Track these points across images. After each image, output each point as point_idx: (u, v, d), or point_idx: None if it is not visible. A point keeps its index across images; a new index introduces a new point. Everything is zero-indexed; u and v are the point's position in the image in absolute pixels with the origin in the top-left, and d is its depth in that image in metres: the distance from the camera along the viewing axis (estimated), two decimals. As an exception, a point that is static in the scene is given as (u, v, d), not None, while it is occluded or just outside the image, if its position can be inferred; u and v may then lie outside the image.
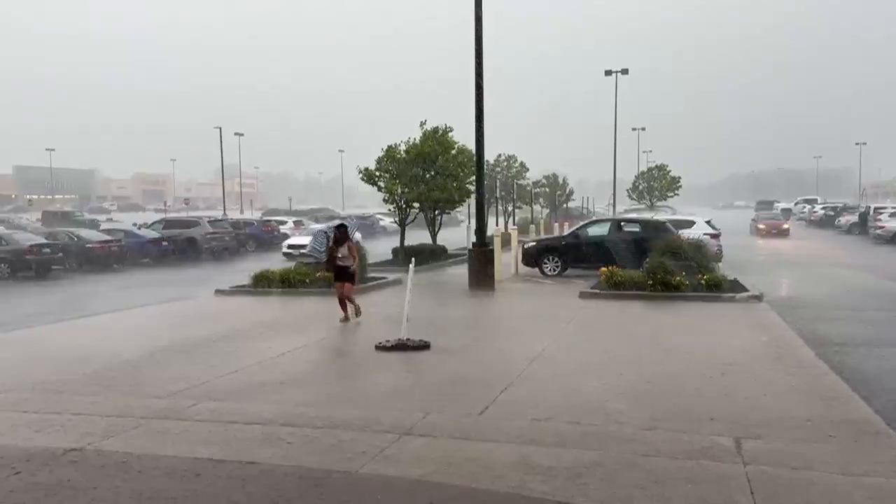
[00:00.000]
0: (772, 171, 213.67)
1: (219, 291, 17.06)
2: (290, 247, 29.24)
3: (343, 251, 12.40)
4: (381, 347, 9.86)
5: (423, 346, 9.88)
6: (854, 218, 44.34)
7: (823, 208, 57.60)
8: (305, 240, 26.19)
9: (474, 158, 19.37)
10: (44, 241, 25.44)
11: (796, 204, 75.69)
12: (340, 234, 12.51)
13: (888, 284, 18.55)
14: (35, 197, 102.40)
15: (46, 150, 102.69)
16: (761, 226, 41.68)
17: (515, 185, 43.15)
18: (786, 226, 41.87)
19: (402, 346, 9.82)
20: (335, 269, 12.52)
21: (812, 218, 56.12)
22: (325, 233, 12.77)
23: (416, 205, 24.51)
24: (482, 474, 5.18)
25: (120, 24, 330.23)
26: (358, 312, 12.51)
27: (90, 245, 26.27)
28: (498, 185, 40.60)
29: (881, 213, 38.63)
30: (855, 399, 7.18)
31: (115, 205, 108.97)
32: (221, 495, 4.87)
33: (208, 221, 33.82)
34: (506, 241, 22.83)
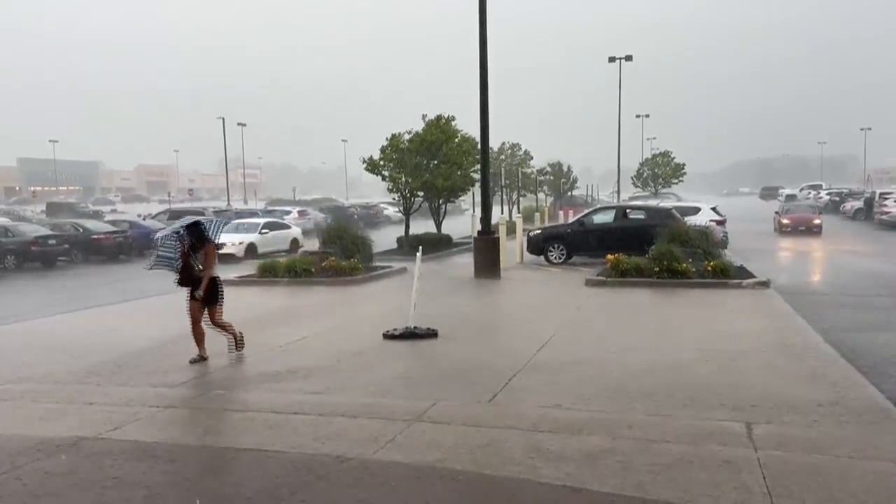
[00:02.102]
0: (777, 158, 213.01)
1: (225, 282, 17.07)
2: None
3: (200, 259, 8.88)
4: (389, 336, 9.87)
5: (431, 335, 9.89)
6: (859, 204, 44.21)
7: (828, 194, 57.49)
8: (220, 239, 24.68)
9: (478, 146, 19.33)
10: (49, 232, 25.50)
11: (801, 190, 75.45)
12: (194, 236, 8.90)
13: (894, 270, 18.48)
14: (39, 189, 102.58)
15: (50, 141, 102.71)
16: (785, 220, 32.25)
17: (520, 174, 43.05)
18: (817, 220, 32.02)
19: (409, 335, 9.83)
20: (190, 283, 8.88)
21: (817, 204, 55.90)
22: (178, 234, 9.03)
23: (421, 194, 24.50)
24: (493, 460, 5.19)
25: (124, 18, 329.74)
26: (240, 343, 9.22)
27: (96, 236, 26.31)
28: (502, 173, 40.54)
29: (886, 199, 38.47)
30: (865, 384, 7.17)
31: (119, 196, 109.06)
32: (234, 483, 4.89)
33: (213, 212, 33.85)
34: (511, 230, 22.82)
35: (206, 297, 8.84)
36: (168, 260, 9.08)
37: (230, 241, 24.56)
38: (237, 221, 27.96)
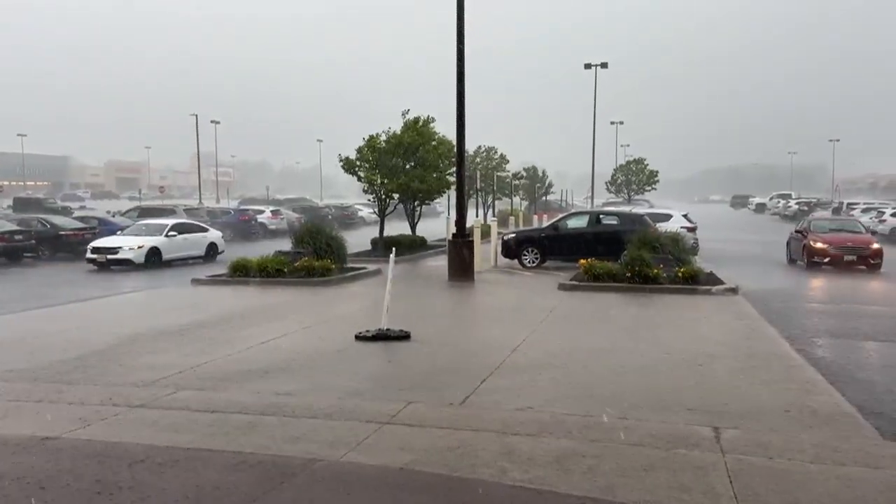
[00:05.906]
0: (747, 166, 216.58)
1: (195, 281, 16.91)
2: (95, 251, 22.03)
3: None
4: (361, 337, 9.82)
5: (404, 337, 9.86)
6: (827, 213, 45.17)
7: (797, 203, 58.58)
8: (116, 241, 22.26)
9: (455, 150, 19.35)
10: (16, 227, 25.00)
11: (771, 199, 76.75)
12: None
13: (859, 279, 18.85)
14: (6, 183, 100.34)
15: (18, 135, 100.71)
16: (820, 245, 20.38)
17: (495, 177, 43.20)
18: (875, 245, 20.67)
19: (382, 336, 9.79)
20: None
21: (786, 213, 56.99)
22: None
23: (396, 195, 24.45)
24: (463, 463, 5.19)
25: (97, 9, 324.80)
26: None
27: (63, 232, 25.85)
28: (478, 176, 40.64)
29: (854, 209, 39.34)
30: (831, 390, 7.29)
31: (89, 192, 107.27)
32: (199, 484, 4.82)
33: (184, 210, 33.45)
34: (485, 233, 22.87)
35: None
36: None
37: (126, 244, 21.77)
38: (142, 222, 25.26)
